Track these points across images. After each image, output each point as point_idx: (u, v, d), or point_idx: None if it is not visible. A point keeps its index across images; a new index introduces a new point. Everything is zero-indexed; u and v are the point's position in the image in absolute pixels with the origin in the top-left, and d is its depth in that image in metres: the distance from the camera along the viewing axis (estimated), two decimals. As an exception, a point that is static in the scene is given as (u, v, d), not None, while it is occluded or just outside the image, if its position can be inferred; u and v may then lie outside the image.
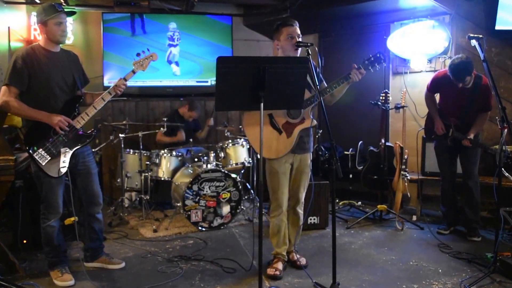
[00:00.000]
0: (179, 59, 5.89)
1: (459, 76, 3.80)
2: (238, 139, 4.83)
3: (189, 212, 4.28)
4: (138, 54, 3.20)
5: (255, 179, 4.92)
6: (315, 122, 3.18)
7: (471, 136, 3.91)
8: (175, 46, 5.86)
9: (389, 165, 4.64)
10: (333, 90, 3.09)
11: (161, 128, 4.80)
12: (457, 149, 4.05)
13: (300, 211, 3.35)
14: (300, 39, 3.10)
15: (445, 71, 4.05)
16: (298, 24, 3.14)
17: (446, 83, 4.00)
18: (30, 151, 2.90)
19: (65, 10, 3.05)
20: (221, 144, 4.83)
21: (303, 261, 3.37)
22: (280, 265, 3.22)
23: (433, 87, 4.19)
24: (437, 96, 4.29)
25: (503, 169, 3.25)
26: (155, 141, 5.25)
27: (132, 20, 5.72)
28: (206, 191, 4.33)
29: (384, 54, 3.17)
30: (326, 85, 3.18)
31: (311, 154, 3.33)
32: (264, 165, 3.22)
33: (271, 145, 3.08)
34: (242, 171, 4.90)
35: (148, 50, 3.23)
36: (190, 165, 4.70)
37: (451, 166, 4.13)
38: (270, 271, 3.15)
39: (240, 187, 4.46)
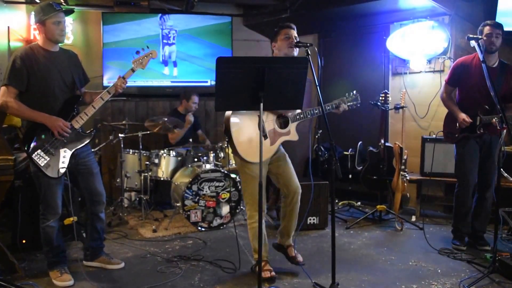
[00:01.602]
0: (177, 60, 5.88)
1: (498, 23, 3.54)
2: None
3: (188, 212, 4.28)
4: (137, 52, 3.18)
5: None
6: (297, 137, 3.19)
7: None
8: (170, 45, 5.84)
9: (388, 165, 4.64)
10: (320, 113, 3.11)
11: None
12: (483, 153, 3.68)
13: (299, 202, 3.25)
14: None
15: (464, 58, 3.78)
16: (296, 29, 3.16)
17: (471, 67, 3.66)
18: (29, 151, 2.89)
19: (63, 9, 3.03)
20: (220, 144, 4.83)
21: (300, 257, 3.30)
22: (269, 266, 3.20)
23: (453, 78, 3.78)
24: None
25: (502, 169, 3.26)
26: (170, 143, 5.11)
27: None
28: (206, 191, 4.33)
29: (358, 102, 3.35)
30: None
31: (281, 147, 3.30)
32: (240, 170, 3.18)
33: (253, 148, 3.00)
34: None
35: (147, 47, 3.22)
36: (189, 165, 4.70)
37: (475, 174, 3.72)
38: (266, 274, 3.10)
39: (240, 187, 4.46)
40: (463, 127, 3.67)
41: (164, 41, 5.81)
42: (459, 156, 3.80)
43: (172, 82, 5.85)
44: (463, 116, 3.64)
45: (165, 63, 5.84)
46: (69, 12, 3.22)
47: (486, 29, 3.55)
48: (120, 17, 5.65)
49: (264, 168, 3.11)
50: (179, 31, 5.85)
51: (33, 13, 5.11)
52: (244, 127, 3.03)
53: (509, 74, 3.61)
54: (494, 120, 3.49)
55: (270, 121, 3.11)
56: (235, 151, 3.05)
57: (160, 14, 5.77)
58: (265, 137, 3.07)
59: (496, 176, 3.56)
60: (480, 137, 3.65)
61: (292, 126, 3.17)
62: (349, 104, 3.29)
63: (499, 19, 4.42)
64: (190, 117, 5.14)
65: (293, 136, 3.18)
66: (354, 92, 3.34)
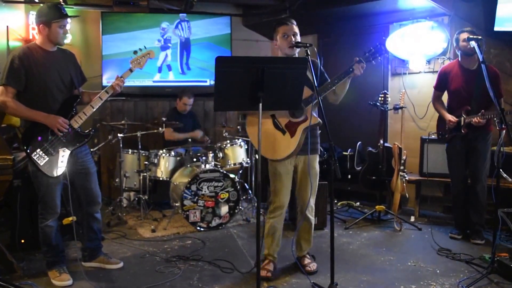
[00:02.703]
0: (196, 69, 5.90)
1: (473, 30, 3.74)
2: (236, 140, 4.82)
3: (187, 212, 4.27)
4: (135, 52, 3.18)
5: (253, 179, 4.92)
6: (318, 119, 3.10)
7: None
8: (168, 48, 5.82)
9: (387, 165, 4.64)
10: (335, 85, 3.03)
11: (160, 129, 4.77)
12: (469, 149, 3.92)
13: (310, 216, 3.28)
14: (298, 37, 3.08)
15: (447, 65, 4.09)
16: (295, 23, 3.11)
17: (452, 72, 3.96)
18: (28, 151, 2.89)
19: (70, 14, 3.04)
20: (219, 144, 4.82)
21: (313, 266, 3.29)
22: (271, 266, 3.21)
23: (439, 82, 4.11)
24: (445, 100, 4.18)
25: (501, 170, 3.26)
26: (164, 141, 5.15)
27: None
28: (205, 191, 4.33)
29: (383, 45, 3.11)
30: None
31: (318, 156, 3.28)
32: (265, 166, 3.19)
33: (275, 146, 3.05)
34: (241, 171, 4.90)
35: (145, 47, 3.21)
36: (188, 165, 4.69)
37: (462, 169, 4.02)
38: (262, 272, 3.09)
39: (239, 187, 4.46)
40: (451, 127, 3.96)
41: (163, 45, 5.79)
42: (447, 154, 4.14)
43: (171, 81, 5.84)
44: (449, 117, 3.96)
45: (159, 69, 5.81)
46: (74, 16, 3.23)
47: (464, 34, 3.77)
48: (119, 23, 5.61)
49: (285, 164, 3.12)
50: (198, 39, 5.85)
51: (33, 12, 5.15)
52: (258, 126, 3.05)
53: (491, 74, 3.66)
54: (474, 119, 3.77)
55: (283, 115, 3.09)
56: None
57: (178, 20, 5.77)
58: (283, 131, 3.06)
59: (485, 170, 3.91)
60: (465, 135, 3.91)
61: (308, 111, 3.07)
62: (371, 59, 3.06)
63: (498, 17, 4.44)
64: (199, 135, 5.24)
65: (313, 120, 3.05)
66: (371, 48, 3.08)
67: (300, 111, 3.09)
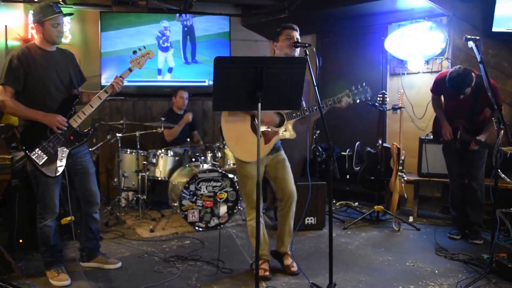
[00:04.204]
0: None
1: (458, 90, 3.74)
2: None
3: (186, 212, 4.27)
4: (134, 52, 3.18)
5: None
6: (294, 135, 3.16)
7: (481, 138, 3.81)
8: (168, 50, 5.81)
9: (386, 166, 4.65)
10: (323, 108, 3.05)
11: (158, 128, 4.77)
12: (465, 151, 3.96)
13: (294, 208, 3.25)
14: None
15: (446, 72, 3.99)
16: (299, 31, 3.17)
17: (447, 87, 3.87)
18: (27, 150, 2.89)
19: (63, 11, 3.03)
20: (218, 144, 4.82)
21: (295, 267, 3.27)
22: (266, 265, 3.21)
23: (435, 89, 4.11)
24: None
25: (499, 170, 3.27)
26: (165, 142, 5.13)
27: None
28: (203, 191, 4.33)
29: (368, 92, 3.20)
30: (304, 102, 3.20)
31: (282, 151, 3.30)
32: (237, 170, 3.22)
33: (247, 148, 3.03)
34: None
35: (144, 47, 3.22)
36: (187, 165, 4.69)
37: (459, 167, 4.06)
38: (260, 272, 3.05)
39: (237, 187, 4.46)
40: (445, 139, 4.03)
41: (162, 44, 5.77)
42: (444, 153, 4.21)
43: (170, 81, 5.83)
44: (446, 130, 4.00)
45: (159, 71, 5.80)
46: (68, 14, 3.22)
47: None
48: (118, 21, 5.59)
49: (255, 166, 3.10)
50: (212, 35, 5.84)
51: (31, 12, 5.14)
52: (236, 126, 3.07)
53: (485, 92, 3.67)
54: (471, 146, 3.83)
55: (265, 119, 3.11)
56: (231, 151, 3.10)
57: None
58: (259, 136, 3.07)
59: (481, 169, 3.95)
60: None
61: (288, 124, 3.15)
62: (356, 98, 3.14)
63: (496, 17, 4.44)
64: (189, 117, 5.14)
65: (290, 134, 3.15)
66: (364, 84, 3.19)
67: (282, 122, 3.13)
